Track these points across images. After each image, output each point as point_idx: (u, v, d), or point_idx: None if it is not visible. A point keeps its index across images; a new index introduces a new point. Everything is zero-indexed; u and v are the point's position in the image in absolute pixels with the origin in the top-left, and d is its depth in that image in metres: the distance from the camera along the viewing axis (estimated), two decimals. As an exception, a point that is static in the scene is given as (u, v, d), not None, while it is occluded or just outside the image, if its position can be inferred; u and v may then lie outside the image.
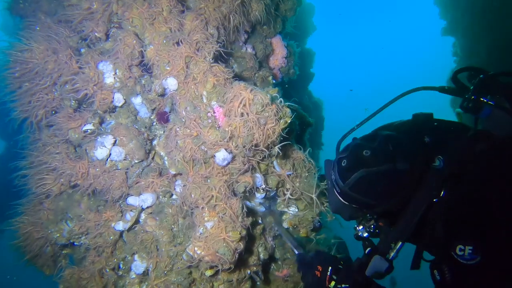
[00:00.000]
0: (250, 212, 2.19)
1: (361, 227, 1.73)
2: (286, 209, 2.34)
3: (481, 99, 1.71)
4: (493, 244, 1.36)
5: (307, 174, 2.28)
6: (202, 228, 1.80)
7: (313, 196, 2.27)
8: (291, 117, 1.97)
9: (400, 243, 1.55)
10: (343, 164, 1.54)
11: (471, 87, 1.81)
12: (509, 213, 1.37)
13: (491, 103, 1.68)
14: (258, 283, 2.36)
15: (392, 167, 1.46)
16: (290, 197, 2.33)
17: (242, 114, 1.80)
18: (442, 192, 1.49)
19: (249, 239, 2.05)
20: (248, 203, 2.28)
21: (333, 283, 1.66)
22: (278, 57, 3.11)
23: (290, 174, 2.23)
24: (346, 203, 1.58)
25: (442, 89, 2.04)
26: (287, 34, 3.42)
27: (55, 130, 2.24)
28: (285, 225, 2.32)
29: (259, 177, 2.19)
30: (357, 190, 1.52)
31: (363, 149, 1.51)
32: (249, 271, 2.09)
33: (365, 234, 1.71)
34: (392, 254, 1.57)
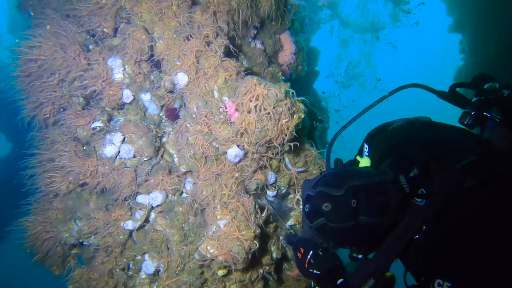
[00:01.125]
0: (262, 210, 2.14)
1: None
2: (296, 206, 2.29)
3: (484, 113, 1.63)
4: (471, 285, 1.32)
5: (319, 171, 2.23)
6: (215, 227, 1.75)
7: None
8: (304, 112, 1.92)
9: (373, 281, 1.48)
10: (306, 209, 1.48)
11: (473, 99, 1.73)
12: (492, 253, 1.31)
13: (496, 119, 1.59)
14: (270, 283, 2.32)
15: (353, 224, 1.39)
16: (299, 198, 2.28)
17: (255, 109, 1.75)
18: (423, 228, 1.43)
19: (262, 238, 2.00)
20: (259, 201, 2.24)
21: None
22: (287, 53, 3.06)
23: (302, 171, 2.18)
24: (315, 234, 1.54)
25: (440, 94, 1.95)
26: (295, 31, 3.38)
27: (63, 128, 2.20)
28: (291, 221, 2.28)
29: (271, 175, 2.14)
30: (321, 234, 1.48)
31: (324, 201, 1.43)
32: (261, 271, 2.04)
33: (360, 256, 1.65)
34: None
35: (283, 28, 2.96)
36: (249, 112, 1.75)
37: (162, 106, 2.27)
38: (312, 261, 1.63)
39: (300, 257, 1.67)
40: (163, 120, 2.33)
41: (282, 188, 2.24)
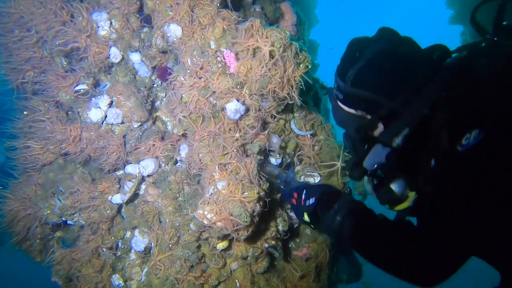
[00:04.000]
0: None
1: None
2: (309, 179, 2.06)
3: None
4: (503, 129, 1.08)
5: (327, 136, 2.02)
6: (212, 187, 1.53)
7: (338, 164, 2.01)
8: (310, 63, 1.72)
9: (407, 129, 1.28)
10: (341, 62, 1.43)
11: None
12: None
13: None
14: (276, 262, 2.08)
15: (391, 48, 1.32)
16: (310, 162, 2.05)
17: (257, 53, 1.54)
18: (452, 87, 1.26)
19: (266, 209, 1.77)
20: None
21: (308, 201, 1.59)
22: (288, 24, 2.86)
23: (311, 134, 1.97)
24: (351, 110, 1.40)
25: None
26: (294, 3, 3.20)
27: (44, 91, 1.98)
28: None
29: (275, 138, 1.93)
30: (359, 84, 1.33)
31: (358, 39, 1.43)
32: (266, 245, 1.81)
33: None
34: (397, 141, 1.30)
35: (283, -6, 2.78)
36: (250, 55, 1.54)
37: (153, 68, 2.06)
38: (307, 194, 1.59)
39: (295, 203, 1.60)
40: (155, 85, 2.12)
41: (288, 155, 2.02)
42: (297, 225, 2.03)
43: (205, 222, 1.50)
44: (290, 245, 2.14)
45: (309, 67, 1.69)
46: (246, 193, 1.50)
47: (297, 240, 2.14)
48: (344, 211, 1.44)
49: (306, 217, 1.56)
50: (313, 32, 7.34)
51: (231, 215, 1.45)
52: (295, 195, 1.66)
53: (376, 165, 1.40)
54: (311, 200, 1.54)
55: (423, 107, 1.25)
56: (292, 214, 1.98)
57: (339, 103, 1.43)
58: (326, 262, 2.17)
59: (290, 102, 1.70)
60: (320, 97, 2.59)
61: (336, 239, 1.53)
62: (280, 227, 1.85)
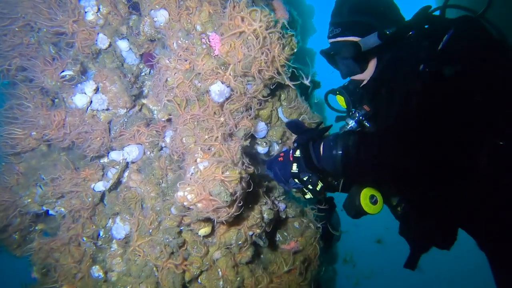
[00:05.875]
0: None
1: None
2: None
3: None
4: None
5: (316, 124, 1.99)
6: (193, 168, 1.48)
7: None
8: (297, 46, 1.71)
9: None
10: (335, 6, 1.77)
11: None
12: None
13: None
14: (262, 256, 2.01)
15: None
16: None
17: (241, 34, 1.53)
18: None
19: (251, 196, 1.72)
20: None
21: (297, 152, 1.59)
22: (280, 21, 2.89)
23: (297, 121, 1.93)
24: (348, 38, 1.66)
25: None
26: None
27: (30, 77, 1.97)
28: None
29: (261, 125, 1.90)
30: (355, 12, 1.66)
31: None
32: (251, 233, 1.75)
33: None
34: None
35: (275, -7, 2.80)
36: (234, 35, 1.53)
37: (141, 56, 2.05)
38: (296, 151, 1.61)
39: (282, 159, 1.66)
40: (143, 73, 2.11)
41: (275, 144, 1.98)
42: (284, 216, 1.97)
43: (185, 203, 1.45)
44: (277, 238, 2.07)
45: (295, 50, 1.68)
46: (228, 173, 1.45)
47: (285, 233, 2.08)
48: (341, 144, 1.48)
49: (294, 168, 1.59)
50: (310, 41, 7.41)
51: (211, 195, 1.40)
52: (281, 154, 1.68)
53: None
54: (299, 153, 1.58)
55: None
56: (279, 204, 1.93)
57: (337, 39, 1.72)
58: (315, 258, 2.10)
59: (279, 80, 1.68)
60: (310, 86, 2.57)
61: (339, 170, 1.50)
62: (265, 215, 1.79)
